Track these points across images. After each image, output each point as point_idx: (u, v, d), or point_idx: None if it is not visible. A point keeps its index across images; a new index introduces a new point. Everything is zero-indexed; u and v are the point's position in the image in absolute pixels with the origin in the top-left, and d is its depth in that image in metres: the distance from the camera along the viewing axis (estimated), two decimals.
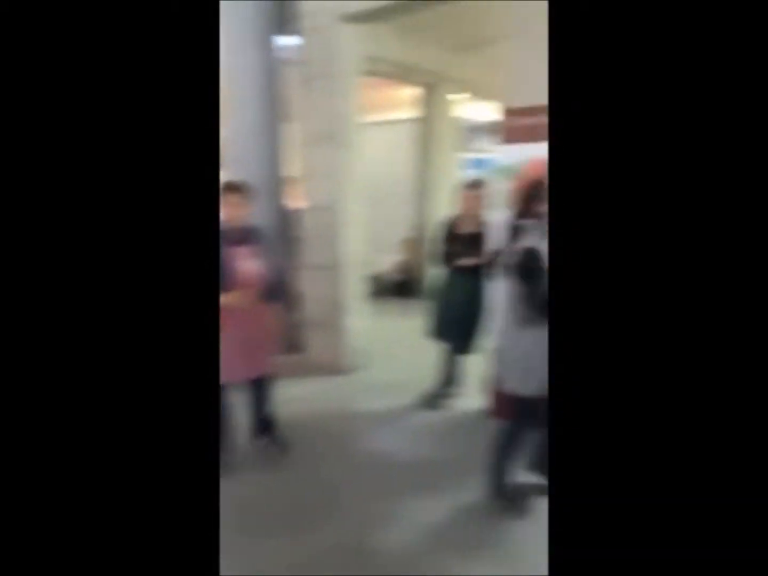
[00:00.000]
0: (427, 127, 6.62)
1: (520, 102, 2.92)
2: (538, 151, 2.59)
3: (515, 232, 2.13)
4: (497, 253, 2.23)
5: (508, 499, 2.36)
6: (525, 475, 2.47)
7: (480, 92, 6.58)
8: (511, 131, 2.94)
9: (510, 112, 2.95)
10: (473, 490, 2.46)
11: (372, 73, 4.88)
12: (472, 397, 3.43)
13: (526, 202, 2.13)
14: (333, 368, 4.06)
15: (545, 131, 2.63)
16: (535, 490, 2.42)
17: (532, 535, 2.17)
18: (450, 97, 6.55)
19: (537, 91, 2.72)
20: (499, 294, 2.25)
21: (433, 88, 6.41)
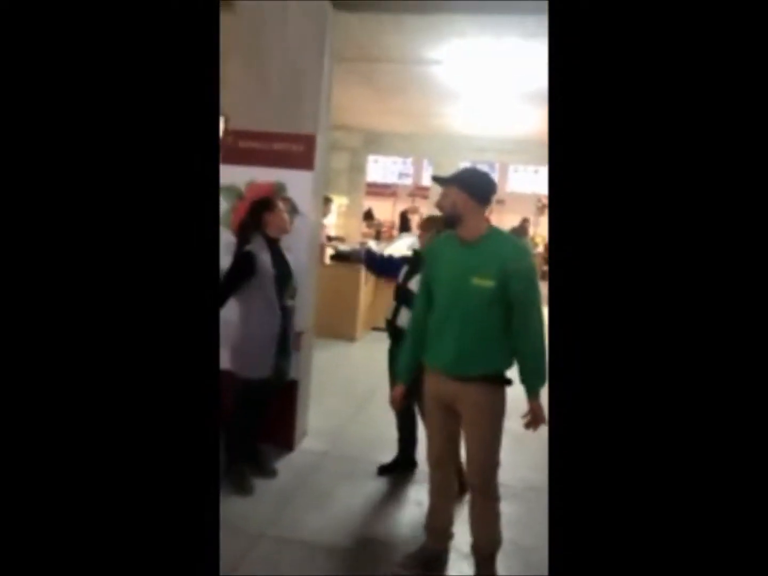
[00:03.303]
0: None
1: (243, 125, 2.95)
2: (260, 175, 2.92)
3: (241, 242, 2.57)
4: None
5: (234, 480, 2.61)
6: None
7: None
8: (231, 153, 2.93)
9: (230, 134, 2.96)
10: None
11: None
12: None
13: (251, 216, 2.58)
14: None
15: (267, 156, 2.90)
16: (255, 471, 2.72)
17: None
18: None
19: (261, 116, 2.92)
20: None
21: None
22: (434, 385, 2.03)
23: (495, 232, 1.95)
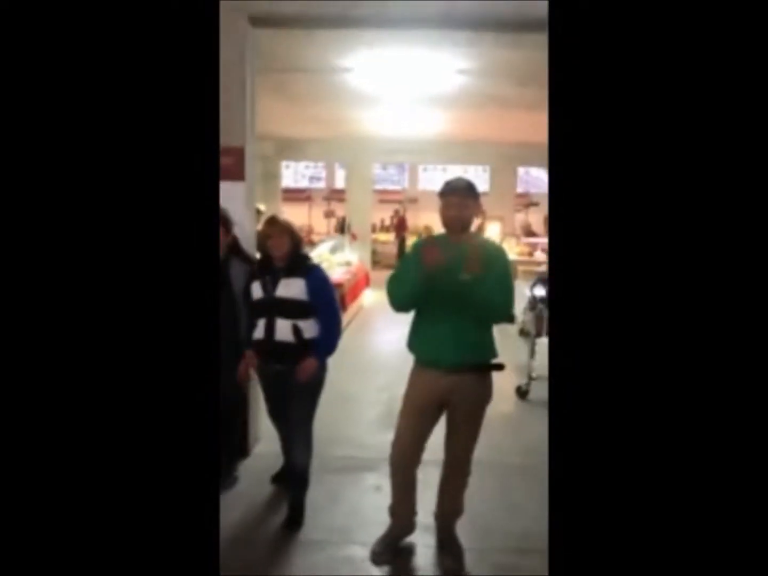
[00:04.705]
0: None
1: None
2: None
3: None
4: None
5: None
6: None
7: None
8: None
9: None
10: None
11: None
12: None
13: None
14: None
15: (235, 171, 2.99)
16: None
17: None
18: None
19: (234, 132, 3.04)
20: None
21: None
22: (427, 382, 2.10)
23: (472, 233, 2.17)
